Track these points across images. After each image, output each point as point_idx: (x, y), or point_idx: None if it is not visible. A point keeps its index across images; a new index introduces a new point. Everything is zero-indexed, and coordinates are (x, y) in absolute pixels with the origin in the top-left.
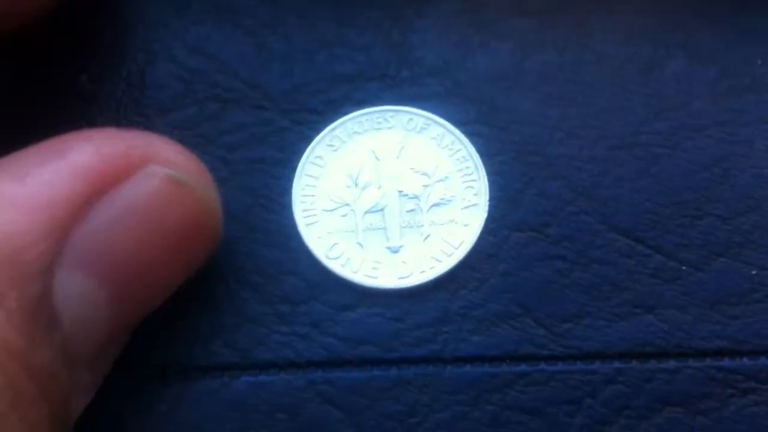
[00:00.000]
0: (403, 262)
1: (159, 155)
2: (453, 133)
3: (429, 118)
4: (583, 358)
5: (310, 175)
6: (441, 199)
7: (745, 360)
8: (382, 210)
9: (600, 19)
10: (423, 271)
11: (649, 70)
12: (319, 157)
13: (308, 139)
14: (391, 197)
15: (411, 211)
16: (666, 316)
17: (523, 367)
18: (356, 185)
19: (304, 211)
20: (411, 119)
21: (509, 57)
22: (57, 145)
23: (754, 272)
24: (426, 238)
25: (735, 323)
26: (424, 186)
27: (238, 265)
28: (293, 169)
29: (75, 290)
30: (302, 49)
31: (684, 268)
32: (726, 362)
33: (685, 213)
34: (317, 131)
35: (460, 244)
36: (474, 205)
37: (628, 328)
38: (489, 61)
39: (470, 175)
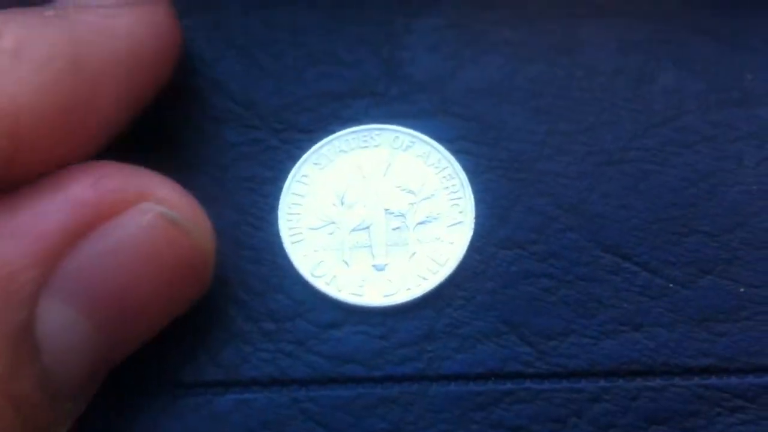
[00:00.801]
0: (389, 280)
1: (155, 193)
2: (439, 151)
3: (415, 136)
4: (568, 377)
5: (296, 194)
6: (427, 217)
7: (733, 378)
8: (368, 228)
9: (590, 31)
10: (409, 289)
11: (638, 83)
12: (306, 175)
13: (296, 158)
14: (377, 215)
15: (397, 229)
16: (653, 334)
17: (508, 385)
18: (342, 203)
19: (290, 229)
20: (397, 137)
21: (498, 72)
22: (57, 178)
23: (741, 290)
24: (412, 255)
25: (722, 341)
26: (410, 204)
27: (224, 282)
28: (280, 188)
29: (58, 320)
30: (292, 66)
31: (671, 285)
32: (713, 380)
33: (672, 230)
34: (305, 149)
35: (446, 262)
36: (460, 222)
37: (614, 345)
38: (478, 76)
39: (456, 192)
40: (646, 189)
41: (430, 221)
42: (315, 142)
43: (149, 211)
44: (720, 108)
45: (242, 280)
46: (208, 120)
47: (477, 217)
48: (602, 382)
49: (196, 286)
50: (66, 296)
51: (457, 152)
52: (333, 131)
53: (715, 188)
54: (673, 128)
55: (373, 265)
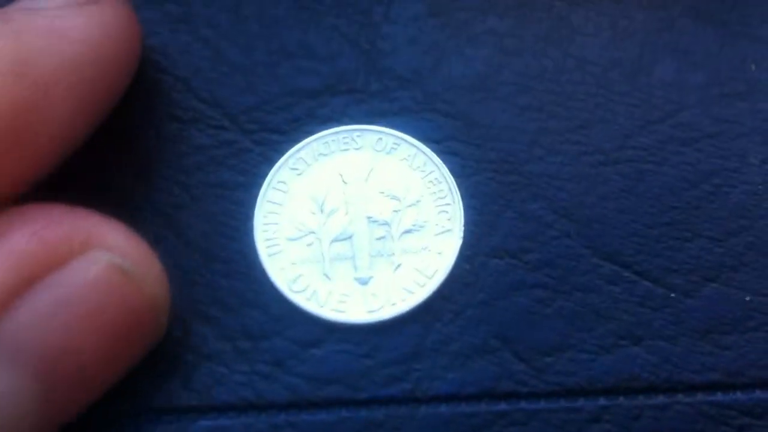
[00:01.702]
0: (373, 294)
1: (104, 240)
2: (425, 153)
3: (399, 138)
4: (566, 395)
5: (272, 202)
6: (413, 225)
7: (739, 394)
8: (350, 238)
9: (581, 19)
10: (394, 304)
11: (634, 76)
12: (282, 182)
13: (271, 161)
14: (359, 224)
15: (381, 238)
16: (654, 348)
17: (502, 405)
18: (322, 211)
19: (266, 240)
20: (380, 139)
21: (484, 65)
22: None
23: (748, 298)
24: (397, 267)
25: (728, 354)
26: (394, 211)
27: (195, 298)
28: (255, 195)
29: (2, 386)
30: (263, 62)
31: (673, 295)
32: (719, 397)
33: (673, 235)
34: (280, 152)
35: (434, 274)
36: (448, 231)
37: (613, 361)
38: (463, 69)
39: (444, 198)
40: (644, 191)
41: (416, 230)
42: (291, 144)
43: (98, 261)
44: (722, 102)
45: (214, 296)
46: (171, 120)
47: (466, 224)
48: (602, 401)
49: (149, 337)
50: (8, 359)
51: (443, 153)
52: (310, 132)
53: (719, 189)
54: (672, 124)
55: (356, 279)
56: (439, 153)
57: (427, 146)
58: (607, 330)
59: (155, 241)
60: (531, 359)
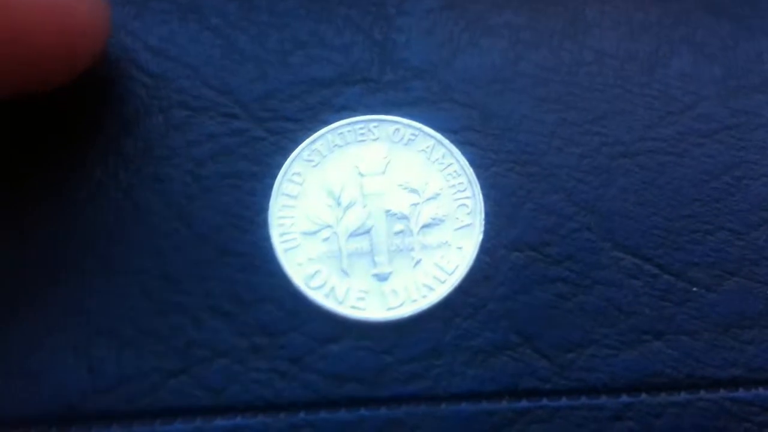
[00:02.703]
0: (393, 290)
1: None
2: (443, 145)
3: (417, 129)
4: (588, 392)
5: (287, 194)
6: (432, 219)
7: (761, 390)
8: (367, 232)
9: (596, 13)
10: (414, 301)
11: (651, 68)
12: (297, 173)
13: (285, 150)
14: (377, 217)
15: (400, 233)
16: (676, 343)
17: (523, 403)
18: (339, 204)
19: (282, 235)
20: (397, 129)
21: (500, 57)
22: None
23: None
24: (417, 263)
25: (750, 349)
26: (412, 205)
27: (208, 292)
28: (269, 185)
29: None
30: (275, 50)
31: (694, 289)
32: (741, 393)
33: (695, 227)
34: (294, 141)
35: (455, 270)
36: (468, 225)
37: (635, 356)
38: (479, 61)
39: (463, 191)
40: (665, 183)
41: (435, 224)
42: (305, 133)
43: None
44: (740, 93)
45: (228, 291)
46: (180, 107)
47: (486, 217)
48: (624, 398)
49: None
50: None
51: (461, 144)
52: (325, 121)
53: (740, 181)
54: (691, 116)
55: (375, 275)
56: (457, 144)
57: (445, 137)
58: (628, 325)
59: (166, 233)
60: (552, 356)
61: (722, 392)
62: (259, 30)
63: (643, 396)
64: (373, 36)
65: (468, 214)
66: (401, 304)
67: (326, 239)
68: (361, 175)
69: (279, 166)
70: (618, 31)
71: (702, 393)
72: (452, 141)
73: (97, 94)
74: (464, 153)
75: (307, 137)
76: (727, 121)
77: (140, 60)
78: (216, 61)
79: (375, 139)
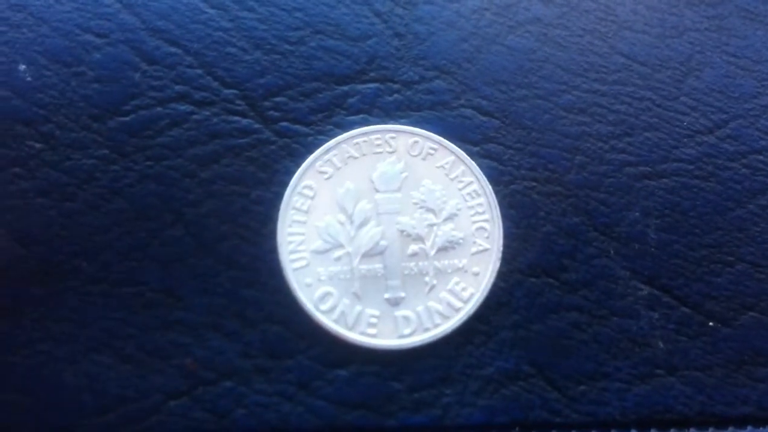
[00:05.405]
0: (405, 317)
1: None
2: (463, 162)
3: (437, 142)
4: (598, 426)
5: (297, 209)
6: (449, 242)
7: None
8: (381, 253)
9: (628, 13)
10: (427, 329)
11: (682, 79)
12: (309, 186)
13: (294, 156)
14: (391, 237)
15: (414, 255)
16: (689, 379)
17: None
18: (351, 222)
19: (291, 252)
20: (416, 142)
21: (526, 57)
22: None
23: None
24: (431, 289)
25: (761, 387)
26: (429, 225)
27: (211, 308)
28: (277, 194)
29: None
30: (286, 38)
31: (711, 323)
32: (749, 431)
33: (715, 258)
34: (305, 146)
35: (470, 298)
36: (486, 250)
37: (647, 391)
38: (503, 61)
39: (482, 214)
40: (688, 209)
41: (452, 247)
42: (316, 137)
43: None
44: None
45: (233, 307)
46: (181, 100)
47: (504, 240)
48: None
49: None
50: None
51: (481, 157)
52: (337, 124)
53: (764, 210)
54: (719, 137)
55: (387, 299)
56: (477, 157)
57: (465, 148)
58: (642, 358)
59: (164, 241)
60: (564, 387)
61: (731, 430)
62: (269, 12)
63: None
64: (394, 26)
65: (486, 238)
66: (413, 332)
67: (338, 259)
68: (376, 190)
69: (288, 173)
70: (650, 34)
71: (711, 430)
72: (472, 154)
73: (87, 78)
74: (483, 167)
75: (319, 143)
76: (756, 144)
77: (135, 39)
78: (222, 47)
79: (392, 152)
